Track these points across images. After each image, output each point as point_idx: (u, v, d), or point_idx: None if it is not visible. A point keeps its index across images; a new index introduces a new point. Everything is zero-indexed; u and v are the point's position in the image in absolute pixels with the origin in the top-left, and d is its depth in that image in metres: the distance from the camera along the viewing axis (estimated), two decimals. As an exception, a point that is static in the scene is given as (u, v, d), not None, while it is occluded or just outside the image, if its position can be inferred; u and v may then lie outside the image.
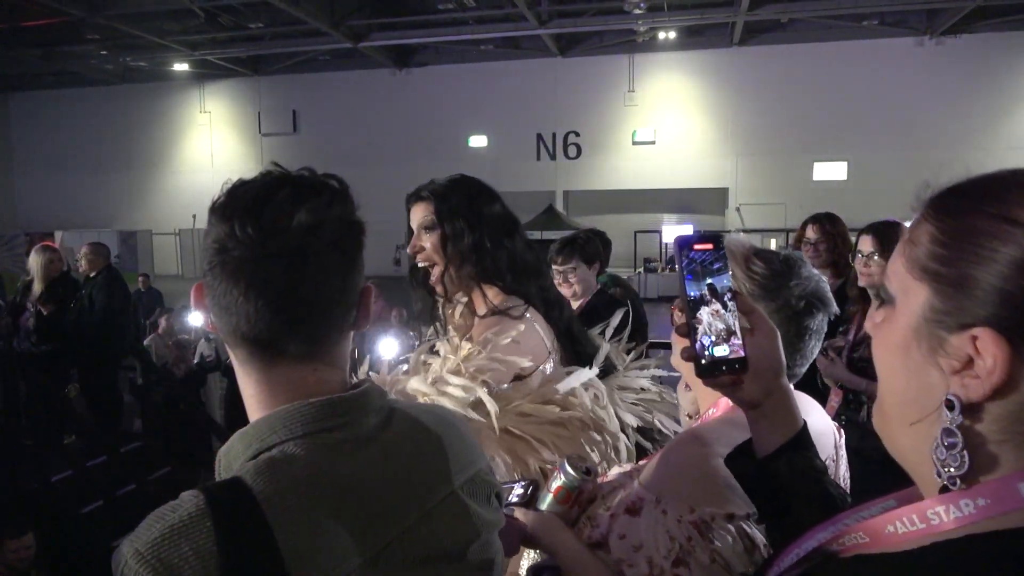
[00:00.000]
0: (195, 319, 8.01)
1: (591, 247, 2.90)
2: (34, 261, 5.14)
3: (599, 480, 1.06)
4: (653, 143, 18.31)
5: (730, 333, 0.78)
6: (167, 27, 15.99)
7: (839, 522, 0.61)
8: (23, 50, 17.06)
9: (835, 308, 1.06)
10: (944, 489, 0.51)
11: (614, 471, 1.12)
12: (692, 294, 0.77)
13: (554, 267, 2.80)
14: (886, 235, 2.64)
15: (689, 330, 0.78)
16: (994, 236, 0.48)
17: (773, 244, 14.49)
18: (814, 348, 1.05)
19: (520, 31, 16.01)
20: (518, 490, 1.06)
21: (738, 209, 17.85)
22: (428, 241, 1.53)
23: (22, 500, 3.91)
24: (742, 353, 0.78)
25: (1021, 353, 0.47)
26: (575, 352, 1.53)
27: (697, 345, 0.77)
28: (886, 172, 15.79)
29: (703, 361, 0.77)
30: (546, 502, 1.02)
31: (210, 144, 21.01)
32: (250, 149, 20.46)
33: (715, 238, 0.79)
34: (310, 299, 0.71)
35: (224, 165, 20.25)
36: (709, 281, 0.77)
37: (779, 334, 0.82)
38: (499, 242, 1.51)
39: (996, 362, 0.47)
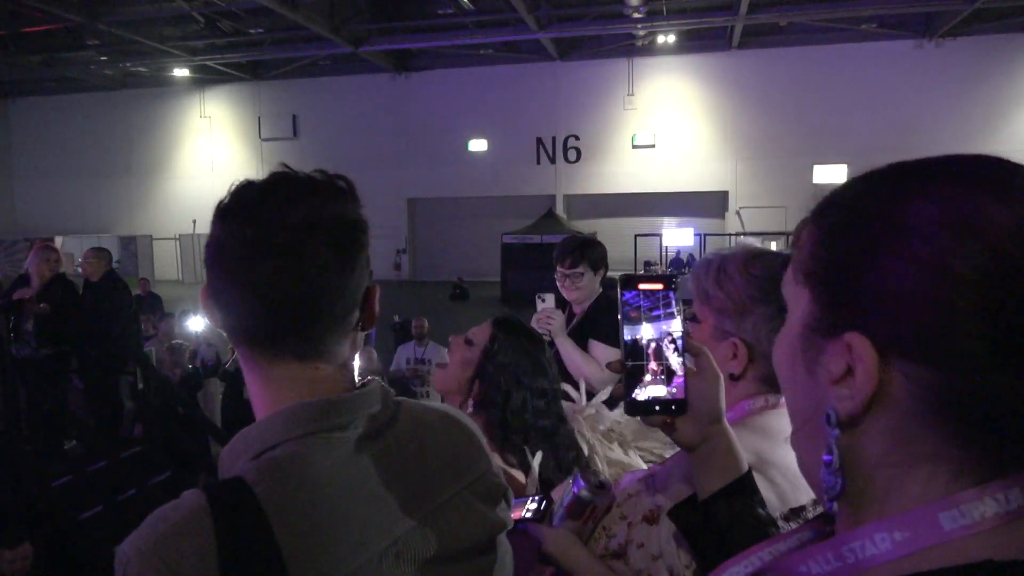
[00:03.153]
0: (195, 324, 8.01)
1: (598, 253, 2.89)
2: (32, 260, 5.14)
3: (612, 486, 1.05)
4: (653, 146, 18.33)
5: (671, 374, 0.78)
6: (167, 33, 16.02)
7: (753, 555, 0.57)
8: (24, 56, 17.09)
9: None
10: (826, 515, 0.47)
11: (627, 477, 1.11)
12: (628, 337, 0.77)
13: (559, 269, 2.80)
14: None
15: (622, 369, 0.78)
16: (868, 236, 0.45)
17: (774, 247, 14.43)
18: None
19: (520, 35, 16.04)
20: (531, 505, 1.05)
21: (738, 212, 17.86)
22: (459, 355, 1.53)
23: (19, 508, 3.90)
24: (682, 396, 0.78)
25: (893, 363, 0.43)
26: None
27: (630, 385, 0.77)
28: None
29: (635, 400, 0.77)
30: (559, 517, 1.02)
31: (210, 149, 21.04)
32: (250, 154, 20.49)
33: (665, 279, 0.79)
34: (306, 298, 0.71)
35: (224, 170, 20.28)
36: (655, 322, 0.77)
37: (722, 379, 0.82)
38: (524, 406, 1.48)
39: (865, 371, 0.44)
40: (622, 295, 0.78)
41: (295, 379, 0.73)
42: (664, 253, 16.21)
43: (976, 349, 0.40)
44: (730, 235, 17.18)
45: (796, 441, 0.53)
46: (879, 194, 0.46)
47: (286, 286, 0.70)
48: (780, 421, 0.99)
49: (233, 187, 0.74)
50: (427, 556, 0.71)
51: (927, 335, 0.42)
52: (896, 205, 0.44)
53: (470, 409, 1.49)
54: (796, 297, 0.51)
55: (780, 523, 0.86)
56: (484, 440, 0.85)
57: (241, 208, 0.72)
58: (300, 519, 0.64)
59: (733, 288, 1.02)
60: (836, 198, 0.50)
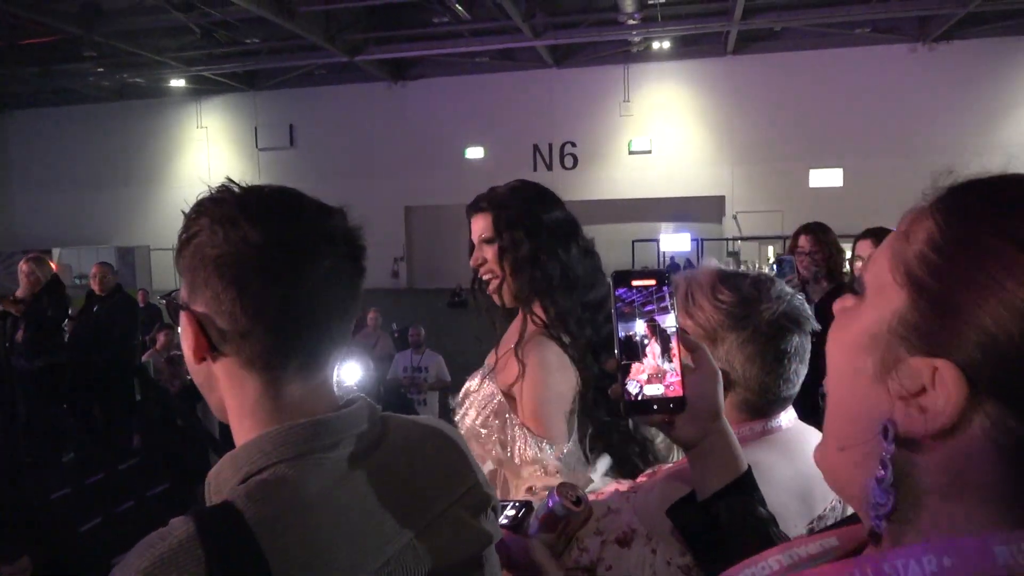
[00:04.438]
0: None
1: None
2: (21, 270, 5.18)
3: (592, 497, 1.04)
4: (649, 152, 18.37)
5: (667, 372, 0.76)
6: (164, 44, 16.05)
7: (769, 557, 0.54)
8: (21, 68, 17.11)
9: (814, 326, 1.00)
10: (872, 533, 0.44)
11: (611, 487, 1.10)
12: (621, 334, 0.76)
13: None
14: (883, 239, 2.73)
15: (618, 368, 0.76)
16: (1005, 265, 0.39)
17: (771, 251, 14.50)
18: (798, 370, 1.00)
19: (515, 43, 16.08)
20: (509, 512, 1.04)
21: (735, 217, 17.88)
22: (489, 253, 1.54)
23: (18, 522, 3.88)
24: (680, 392, 0.77)
25: (977, 400, 0.40)
26: (600, 371, 1.51)
27: (626, 384, 0.76)
28: (881, 178, 15.85)
29: (634, 399, 0.76)
30: (533, 528, 1.01)
31: (207, 159, 21.05)
32: (247, 164, 20.49)
33: (659, 274, 0.78)
34: (311, 315, 0.69)
35: (221, 180, 20.26)
36: (649, 318, 0.76)
37: (720, 376, 0.80)
38: (554, 252, 1.50)
39: (948, 403, 0.40)
40: (615, 291, 0.77)
41: (283, 399, 0.71)
42: (662, 258, 16.23)
43: None
44: (727, 239, 17.21)
45: (836, 446, 0.49)
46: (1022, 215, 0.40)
47: (300, 302, 0.68)
48: (757, 453, 0.96)
49: (221, 189, 0.71)
50: (423, 572, 0.70)
51: None
52: None
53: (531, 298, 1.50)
54: (886, 291, 0.45)
55: None
56: (472, 453, 0.84)
57: (253, 213, 0.68)
58: (291, 544, 0.63)
59: (703, 316, 0.99)
60: (970, 199, 0.44)
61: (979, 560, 0.40)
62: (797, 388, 1.01)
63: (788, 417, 1.03)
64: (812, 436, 1.03)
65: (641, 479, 1.08)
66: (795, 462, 0.96)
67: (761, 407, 1.00)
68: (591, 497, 1.03)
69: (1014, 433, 0.39)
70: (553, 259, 1.49)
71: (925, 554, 0.42)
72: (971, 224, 0.42)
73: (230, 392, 0.73)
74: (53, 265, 5.57)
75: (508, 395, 1.49)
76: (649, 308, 0.77)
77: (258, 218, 0.68)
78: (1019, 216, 0.40)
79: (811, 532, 0.92)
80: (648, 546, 0.90)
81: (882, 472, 0.43)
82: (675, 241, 16.56)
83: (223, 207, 0.69)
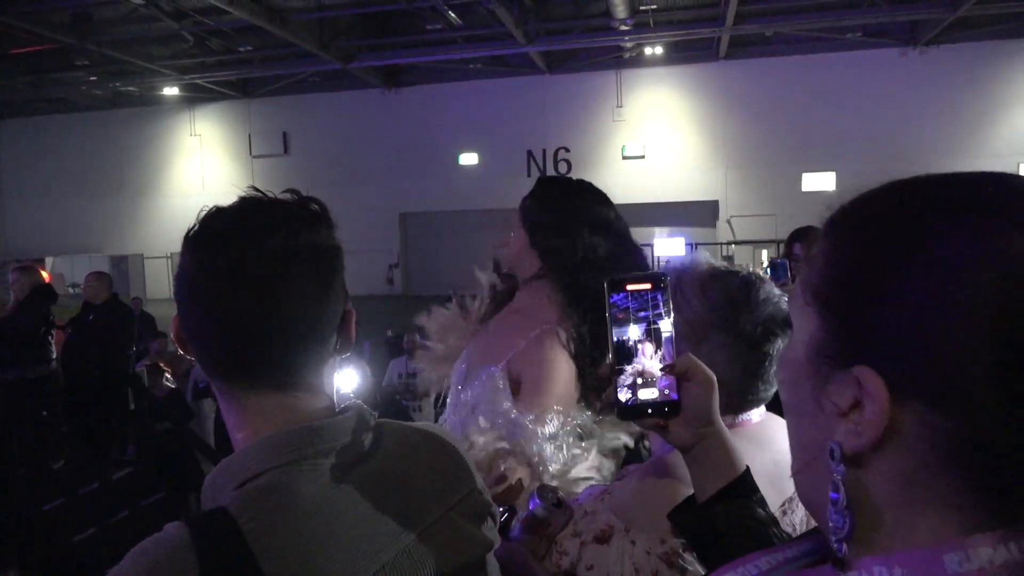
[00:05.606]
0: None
1: None
2: (8, 279, 5.20)
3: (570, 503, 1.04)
4: (643, 157, 18.40)
5: (662, 376, 0.77)
6: (156, 52, 16.03)
7: (749, 563, 0.55)
8: (13, 77, 17.07)
9: None
10: (835, 559, 0.44)
11: (586, 492, 1.10)
12: (616, 338, 0.76)
13: None
14: None
15: (611, 372, 0.77)
16: (895, 266, 0.41)
17: (765, 255, 14.54)
18: (778, 372, 1.01)
19: (508, 49, 16.12)
20: None
21: (729, 221, 17.93)
22: (516, 230, 1.61)
23: (9, 533, 3.85)
24: (674, 396, 0.77)
25: (906, 403, 0.40)
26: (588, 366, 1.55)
27: (620, 389, 0.76)
28: (874, 181, 15.79)
29: (626, 404, 0.77)
30: (516, 532, 1.01)
31: (201, 167, 21.01)
32: (241, 171, 20.45)
33: (654, 278, 0.78)
34: (283, 329, 0.70)
35: (215, 188, 20.24)
36: (645, 322, 0.76)
37: (716, 383, 0.81)
38: (579, 232, 1.55)
39: (875, 409, 0.41)
40: (609, 298, 0.77)
41: (274, 409, 0.71)
42: (656, 263, 16.23)
43: (993, 399, 0.38)
44: (721, 244, 17.23)
45: (798, 475, 0.50)
46: (902, 217, 0.43)
47: (262, 319, 0.69)
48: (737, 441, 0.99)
49: (202, 214, 0.73)
50: None
51: (943, 379, 0.39)
52: (920, 233, 0.41)
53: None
54: (803, 318, 0.47)
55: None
56: (470, 458, 0.84)
57: (212, 238, 0.70)
58: (285, 549, 0.63)
59: (690, 312, 0.99)
60: (854, 214, 0.47)
61: (929, 569, 0.40)
62: (774, 389, 1.02)
63: (758, 412, 1.04)
64: (780, 426, 1.04)
65: (614, 483, 1.08)
66: (764, 450, 0.98)
67: (736, 405, 1.01)
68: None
69: (948, 432, 0.40)
70: (577, 238, 1.54)
71: (877, 565, 0.42)
72: (857, 234, 0.45)
73: (221, 403, 0.75)
74: (45, 274, 5.55)
75: (513, 378, 1.52)
76: (644, 313, 0.77)
77: (220, 242, 0.70)
78: (898, 221, 0.43)
79: (784, 514, 0.93)
80: (627, 539, 0.90)
81: (835, 494, 0.44)
82: (669, 246, 16.56)
83: (195, 231, 0.72)
